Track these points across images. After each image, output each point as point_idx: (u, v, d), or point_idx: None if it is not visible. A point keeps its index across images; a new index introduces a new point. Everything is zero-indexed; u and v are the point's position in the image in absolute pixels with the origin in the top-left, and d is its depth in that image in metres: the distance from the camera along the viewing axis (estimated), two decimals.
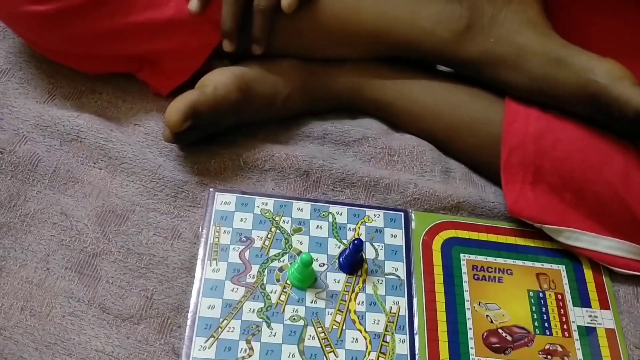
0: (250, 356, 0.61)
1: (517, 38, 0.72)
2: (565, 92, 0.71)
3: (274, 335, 0.62)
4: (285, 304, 0.65)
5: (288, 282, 0.66)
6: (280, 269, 0.67)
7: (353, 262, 0.67)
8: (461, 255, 0.71)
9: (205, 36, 0.73)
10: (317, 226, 0.70)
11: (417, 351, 0.64)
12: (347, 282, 0.67)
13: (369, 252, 0.69)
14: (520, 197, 0.72)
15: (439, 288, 0.68)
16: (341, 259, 0.68)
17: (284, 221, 0.70)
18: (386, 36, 0.76)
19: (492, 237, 0.73)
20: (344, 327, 0.64)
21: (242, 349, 0.61)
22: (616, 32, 0.79)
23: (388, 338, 0.64)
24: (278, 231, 0.69)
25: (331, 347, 0.63)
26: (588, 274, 0.72)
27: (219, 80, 0.72)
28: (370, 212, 0.72)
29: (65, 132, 0.73)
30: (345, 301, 0.66)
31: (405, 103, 0.79)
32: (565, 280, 0.71)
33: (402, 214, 0.73)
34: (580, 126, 0.73)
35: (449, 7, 0.75)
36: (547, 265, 0.72)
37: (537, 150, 0.72)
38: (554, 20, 0.75)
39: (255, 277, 0.66)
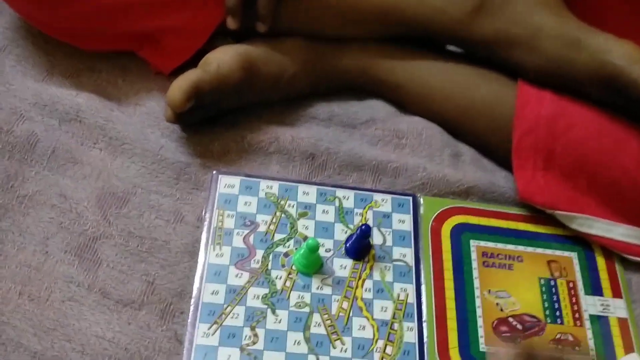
0: (254, 343, 0.59)
1: (532, 18, 0.70)
2: (580, 74, 0.69)
3: (279, 322, 0.61)
4: (291, 290, 0.63)
5: (293, 267, 0.64)
6: (286, 254, 0.65)
7: (360, 247, 0.66)
8: (471, 241, 0.69)
9: (209, 13, 0.71)
10: (323, 211, 0.69)
11: (425, 339, 0.62)
12: (354, 268, 0.65)
13: (376, 238, 0.68)
14: (531, 183, 0.71)
15: (448, 275, 0.67)
16: (348, 245, 0.66)
17: (289, 205, 0.68)
18: (396, 14, 0.73)
19: (503, 223, 0.71)
20: (350, 314, 0.63)
21: (246, 335, 0.60)
22: (633, 13, 0.77)
23: (396, 326, 0.63)
24: (283, 215, 0.68)
25: (337, 335, 0.61)
26: (600, 262, 0.70)
27: (222, 58, 0.70)
28: (377, 197, 0.71)
29: (64, 112, 0.71)
30: (352, 288, 0.64)
31: (414, 84, 0.77)
32: (577, 267, 0.70)
33: (411, 198, 0.71)
34: (594, 110, 0.71)
35: None
36: (558, 253, 0.70)
37: (549, 134, 0.70)
38: (568, 1, 0.73)
39: (260, 262, 0.64)
